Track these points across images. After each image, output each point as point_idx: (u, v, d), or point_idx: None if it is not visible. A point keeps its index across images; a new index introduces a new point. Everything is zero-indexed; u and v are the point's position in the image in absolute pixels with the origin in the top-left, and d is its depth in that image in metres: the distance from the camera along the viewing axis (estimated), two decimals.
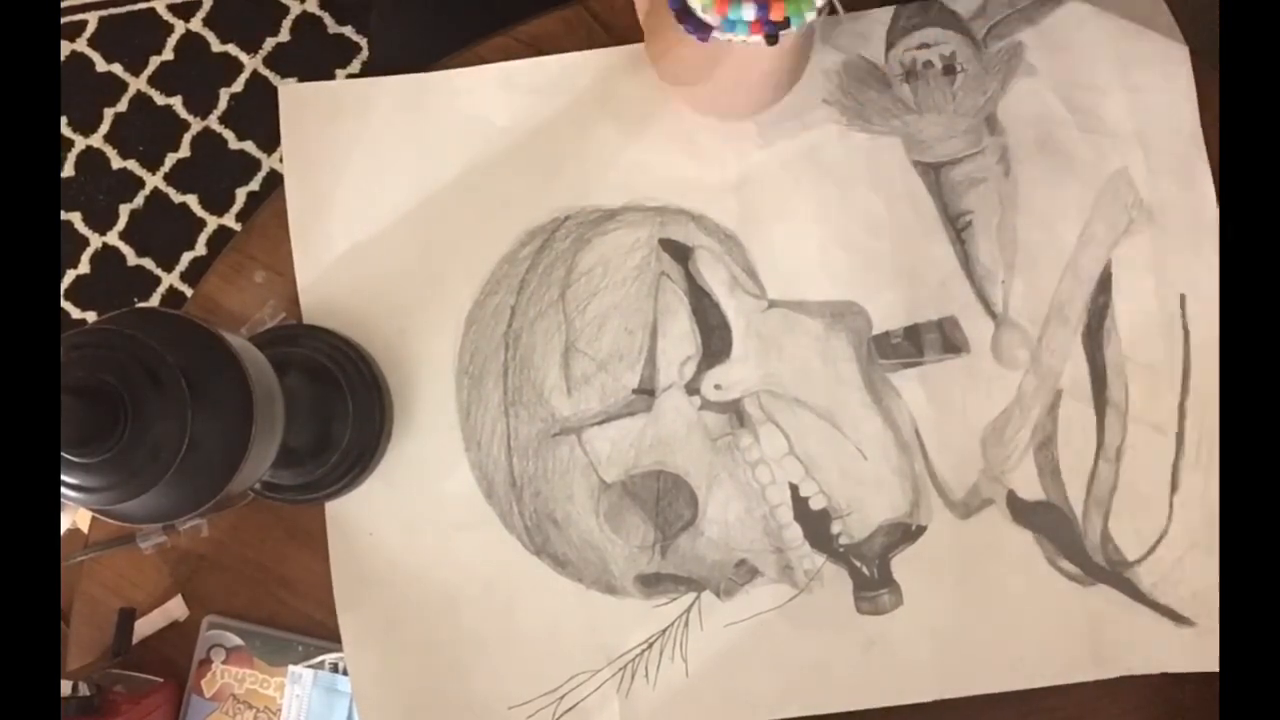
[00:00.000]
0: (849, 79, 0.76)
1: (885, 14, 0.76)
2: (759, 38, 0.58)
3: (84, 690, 0.69)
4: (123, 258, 1.52)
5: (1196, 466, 0.73)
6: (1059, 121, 0.75)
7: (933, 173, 0.75)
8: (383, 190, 0.76)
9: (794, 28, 0.58)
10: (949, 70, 0.76)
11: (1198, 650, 0.72)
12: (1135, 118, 0.75)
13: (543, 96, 0.76)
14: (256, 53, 1.53)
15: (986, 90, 0.75)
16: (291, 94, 0.77)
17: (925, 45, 0.76)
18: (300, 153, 0.76)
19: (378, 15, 0.96)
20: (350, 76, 1.49)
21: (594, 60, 0.76)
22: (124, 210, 1.52)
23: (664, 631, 0.73)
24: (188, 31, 1.54)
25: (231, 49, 1.53)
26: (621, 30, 0.77)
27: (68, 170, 1.52)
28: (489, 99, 0.76)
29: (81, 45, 1.53)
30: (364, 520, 0.74)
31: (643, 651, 0.73)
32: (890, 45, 0.76)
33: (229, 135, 1.52)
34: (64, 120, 1.53)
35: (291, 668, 0.73)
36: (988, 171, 0.74)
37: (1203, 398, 0.73)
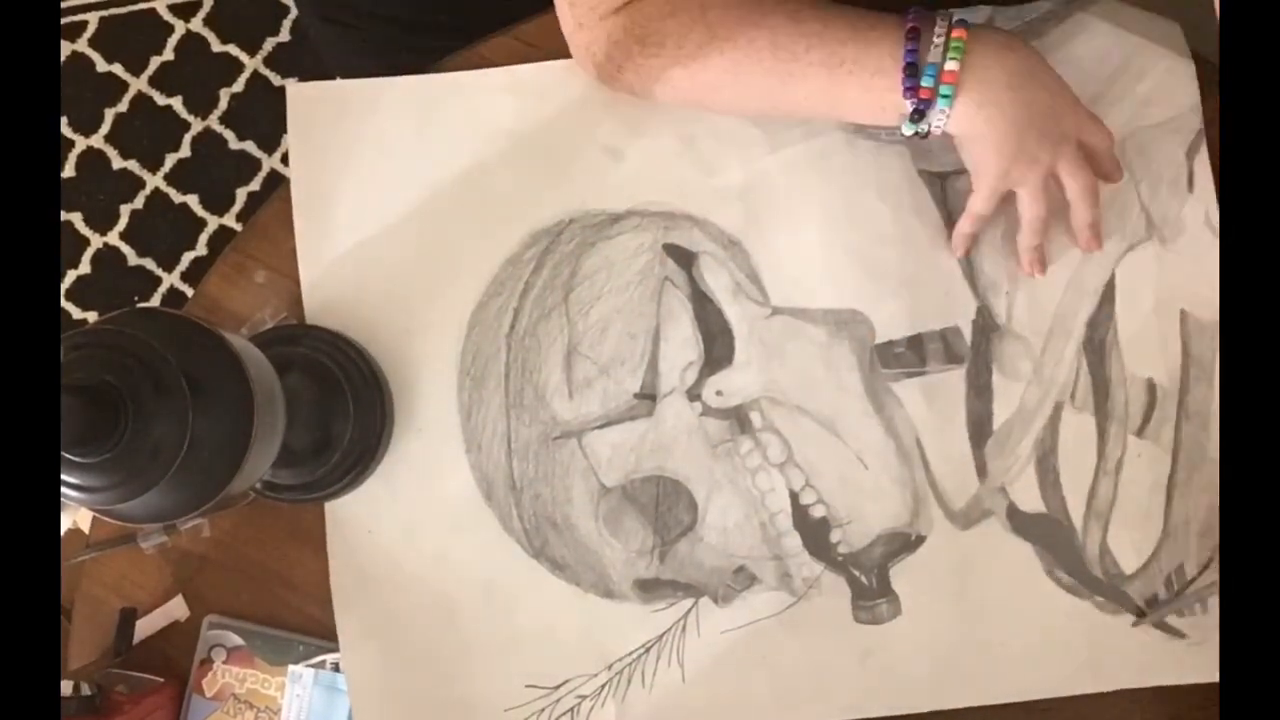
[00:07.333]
0: None
1: None
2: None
3: (85, 690, 0.69)
4: (123, 258, 1.51)
5: (1190, 482, 0.73)
6: None
7: (939, 182, 0.74)
8: (387, 190, 0.75)
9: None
10: None
11: (1190, 663, 0.72)
12: (1141, 132, 0.75)
13: (548, 99, 0.76)
14: (257, 53, 1.53)
15: None
16: (299, 93, 0.77)
17: None
18: (306, 152, 0.76)
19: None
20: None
21: None
22: (125, 210, 1.52)
23: (661, 637, 0.73)
24: (188, 32, 1.53)
25: (232, 49, 1.53)
26: None
27: (68, 170, 1.52)
28: (495, 101, 0.76)
29: (82, 45, 1.53)
30: (364, 520, 0.74)
31: (640, 656, 0.73)
32: None
33: (229, 135, 1.52)
34: (64, 120, 1.52)
35: (292, 667, 0.73)
36: None
37: (1198, 414, 0.73)
